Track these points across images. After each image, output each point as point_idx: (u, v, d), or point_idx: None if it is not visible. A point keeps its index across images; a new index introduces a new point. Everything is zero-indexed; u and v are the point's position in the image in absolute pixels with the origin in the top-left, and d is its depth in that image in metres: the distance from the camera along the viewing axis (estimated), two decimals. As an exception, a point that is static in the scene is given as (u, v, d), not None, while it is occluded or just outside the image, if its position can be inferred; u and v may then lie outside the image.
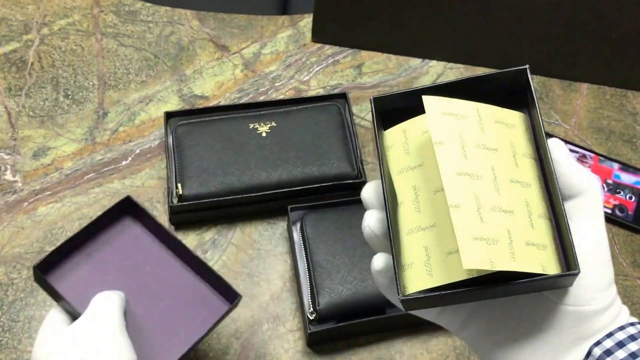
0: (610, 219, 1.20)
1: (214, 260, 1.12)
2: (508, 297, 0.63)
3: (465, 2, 1.28)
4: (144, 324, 0.91)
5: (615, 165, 1.25)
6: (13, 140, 1.22)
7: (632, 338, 0.60)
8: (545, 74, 1.37)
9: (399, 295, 0.61)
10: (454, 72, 1.36)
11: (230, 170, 1.13)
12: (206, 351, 1.05)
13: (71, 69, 1.31)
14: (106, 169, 1.20)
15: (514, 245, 0.62)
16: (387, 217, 0.63)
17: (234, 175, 1.13)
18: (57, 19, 1.37)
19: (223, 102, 1.28)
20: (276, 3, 1.60)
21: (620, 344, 0.60)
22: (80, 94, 1.28)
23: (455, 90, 0.66)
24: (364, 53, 1.38)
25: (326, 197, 1.15)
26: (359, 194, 0.69)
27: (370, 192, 0.67)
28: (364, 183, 1.12)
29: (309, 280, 1.06)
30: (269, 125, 1.19)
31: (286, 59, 1.36)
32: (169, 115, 1.20)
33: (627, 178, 1.23)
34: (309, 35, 1.39)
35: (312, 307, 1.03)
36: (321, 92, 1.32)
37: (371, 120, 0.70)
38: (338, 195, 1.16)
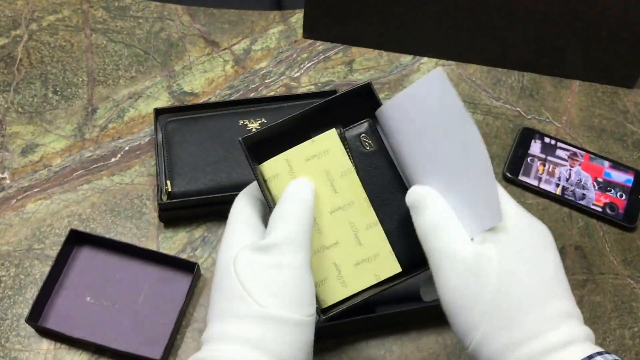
0: (600, 217, 1.20)
1: (204, 258, 1.11)
2: None
3: (457, -1, 1.28)
4: (133, 318, 1.05)
5: (606, 163, 1.24)
6: (1, 136, 1.21)
7: None
8: (536, 71, 1.37)
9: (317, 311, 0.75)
10: (446, 69, 1.36)
11: (219, 167, 1.13)
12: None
13: (60, 65, 1.30)
14: (95, 165, 1.19)
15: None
16: None
17: (224, 173, 1.12)
18: (46, 14, 1.36)
19: (213, 99, 1.28)
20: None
21: None
22: (69, 90, 1.27)
23: (317, 115, 0.80)
24: (355, 49, 1.38)
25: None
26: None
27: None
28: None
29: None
30: (259, 121, 1.18)
31: (277, 55, 1.35)
32: (158, 112, 1.19)
33: (617, 176, 1.23)
34: (300, 31, 1.39)
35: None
36: (312, 88, 1.31)
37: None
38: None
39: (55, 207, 1.15)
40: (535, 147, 1.25)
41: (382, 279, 0.77)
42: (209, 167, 1.13)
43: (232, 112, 1.19)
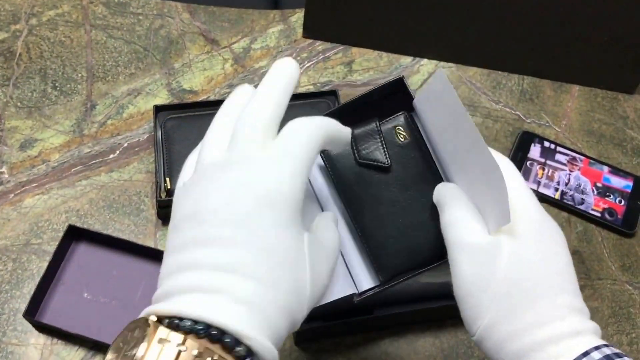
0: (599, 222, 1.20)
1: (201, 256, 1.11)
2: None
3: (458, 1, 1.28)
4: (130, 314, 1.01)
5: (605, 169, 1.24)
6: (0, 131, 1.20)
7: None
8: (536, 75, 1.37)
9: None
10: (445, 71, 1.36)
11: (219, 165, 1.12)
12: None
13: (59, 60, 1.30)
14: (94, 161, 1.19)
15: None
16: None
17: (223, 171, 1.12)
18: (46, 9, 1.35)
19: (212, 97, 1.27)
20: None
21: None
22: (69, 85, 1.27)
23: (354, 110, 0.83)
24: (354, 50, 1.37)
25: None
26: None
27: None
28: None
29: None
30: (259, 121, 1.18)
31: (277, 54, 1.35)
32: (158, 109, 1.19)
33: (616, 182, 1.23)
34: (300, 30, 1.38)
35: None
36: (311, 88, 1.31)
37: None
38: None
39: (53, 203, 1.14)
40: (535, 151, 1.25)
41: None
42: (208, 165, 1.12)
43: (232, 110, 1.19)
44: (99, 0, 1.37)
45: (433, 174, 0.80)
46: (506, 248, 0.66)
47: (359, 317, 1.02)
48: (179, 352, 0.52)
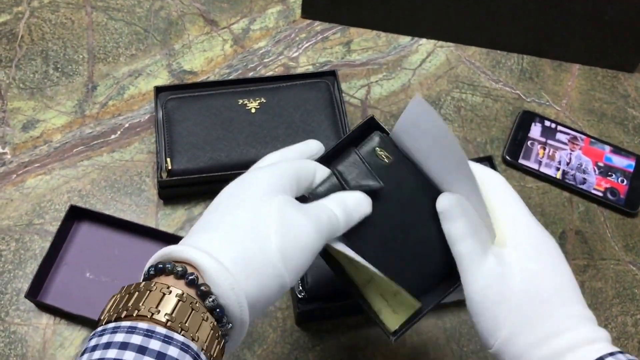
0: (601, 202, 1.20)
1: (203, 236, 1.11)
2: None
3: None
4: None
5: (607, 148, 1.24)
6: (2, 112, 1.21)
7: None
8: (536, 54, 1.37)
9: (391, 338, 0.79)
10: (444, 50, 1.36)
11: (219, 146, 1.13)
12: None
13: (61, 41, 1.30)
14: (95, 142, 1.19)
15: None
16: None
17: (223, 152, 1.12)
18: (47, -9, 1.36)
19: (212, 78, 1.28)
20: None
21: None
22: (70, 67, 1.27)
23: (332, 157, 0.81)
24: (353, 30, 1.37)
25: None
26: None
27: None
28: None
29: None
30: (259, 101, 1.18)
31: (275, 34, 1.35)
32: (159, 90, 1.19)
33: (618, 161, 1.23)
34: (298, 11, 1.38)
35: (301, 285, 1.03)
36: (310, 69, 1.31)
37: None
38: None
39: (55, 183, 1.15)
40: (535, 131, 1.25)
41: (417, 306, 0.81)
42: (209, 146, 1.12)
43: (232, 91, 1.19)
44: (99, -19, 1.38)
45: (428, 186, 0.79)
46: (515, 262, 0.69)
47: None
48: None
